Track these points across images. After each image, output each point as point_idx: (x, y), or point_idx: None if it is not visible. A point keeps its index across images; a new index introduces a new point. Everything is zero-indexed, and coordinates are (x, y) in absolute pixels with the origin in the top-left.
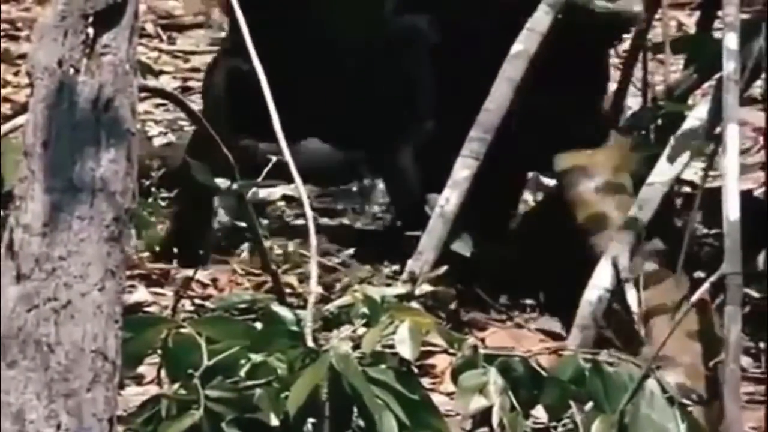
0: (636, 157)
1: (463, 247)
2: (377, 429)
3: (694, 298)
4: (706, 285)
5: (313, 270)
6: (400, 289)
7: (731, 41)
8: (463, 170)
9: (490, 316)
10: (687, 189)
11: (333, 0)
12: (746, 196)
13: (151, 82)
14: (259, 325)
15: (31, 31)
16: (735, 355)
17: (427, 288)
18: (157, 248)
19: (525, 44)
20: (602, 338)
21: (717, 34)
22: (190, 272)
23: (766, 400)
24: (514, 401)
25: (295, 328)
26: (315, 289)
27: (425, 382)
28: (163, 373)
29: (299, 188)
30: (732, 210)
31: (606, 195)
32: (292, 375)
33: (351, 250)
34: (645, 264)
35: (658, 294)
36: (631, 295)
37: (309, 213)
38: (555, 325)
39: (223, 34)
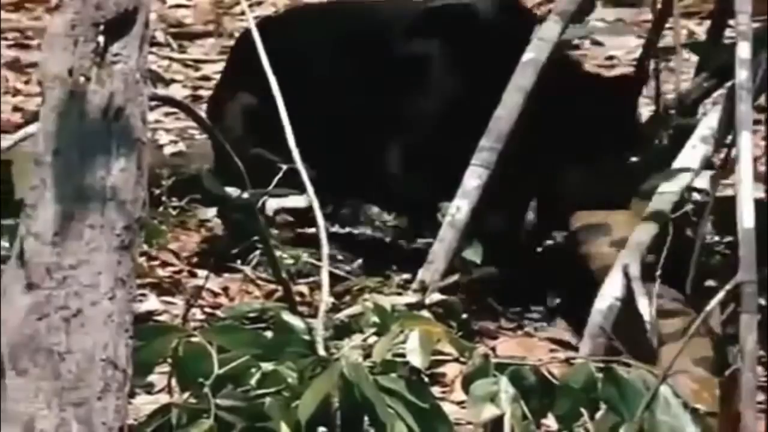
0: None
1: (474, 254)
2: None
3: (710, 306)
4: (721, 293)
5: (324, 278)
6: (410, 298)
7: (743, 50)
8: (473, 179)
9: (501, 325)
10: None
11: None
12: (760, 203)
13: (162, 90)
14: (269, 334)
15: (41, 40)
16: (751, 363)
17: (437, 297)
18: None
19: (535, 53)
20: (613, 347)
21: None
22: (200, 281)
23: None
24: (526, 410)
25: (305, 337)
26: (326, 298)
27: (436, 390)
28: (173, 381)
29: (311, 196)
30: (746, 218)
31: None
32: (302, 384)
33: (360, 259)
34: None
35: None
36: (643, 304)
37: (320, 221)
38: (566, 335)
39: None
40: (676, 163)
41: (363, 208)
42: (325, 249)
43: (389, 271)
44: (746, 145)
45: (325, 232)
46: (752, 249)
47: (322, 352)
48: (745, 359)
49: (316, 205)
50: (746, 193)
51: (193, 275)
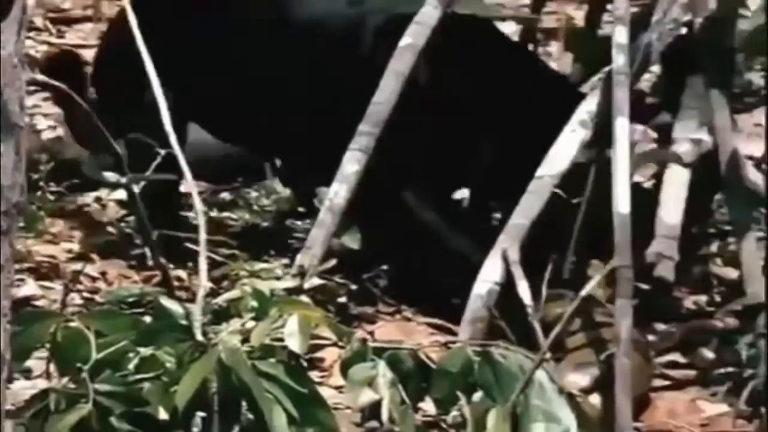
0: None
1: (351, 240)
2: (266, 423)
3: (584, 290)
4: (596, 278)
5: (202, 263)
6: (289, 282)
7: (621, 35)
8: (351, 164)
9: (379, 310)
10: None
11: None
12: (636, 189)
13: (40, 75)
14: (148, 319)
15: None
16: (626, 347)
17: (316, 281)
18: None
19: (413, 38)
20: (494, 331)
21: (606, 27)
22: (79, 266)
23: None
24: (404, 394)
25: (184, 322)
26: (204, 282)
27: (314, 375)
28: (52, 366)
29: (188, 181)
30: (622, 203)
31: None
32: (181, 369)
33: (240, 244)
34: None
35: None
36: (523, 288)
37: (199, 207)
38: (446, 319)
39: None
40: (555, 147)
41: (241, 192)
42: (203, 234)
43: (267, 255)
44: (622, 130)
45: (204, 216)
46: (628, 234)
47: (199, 337)
48: (620, 344)
49: (194, 190)
50: (622, 178)
51: (72, 260)
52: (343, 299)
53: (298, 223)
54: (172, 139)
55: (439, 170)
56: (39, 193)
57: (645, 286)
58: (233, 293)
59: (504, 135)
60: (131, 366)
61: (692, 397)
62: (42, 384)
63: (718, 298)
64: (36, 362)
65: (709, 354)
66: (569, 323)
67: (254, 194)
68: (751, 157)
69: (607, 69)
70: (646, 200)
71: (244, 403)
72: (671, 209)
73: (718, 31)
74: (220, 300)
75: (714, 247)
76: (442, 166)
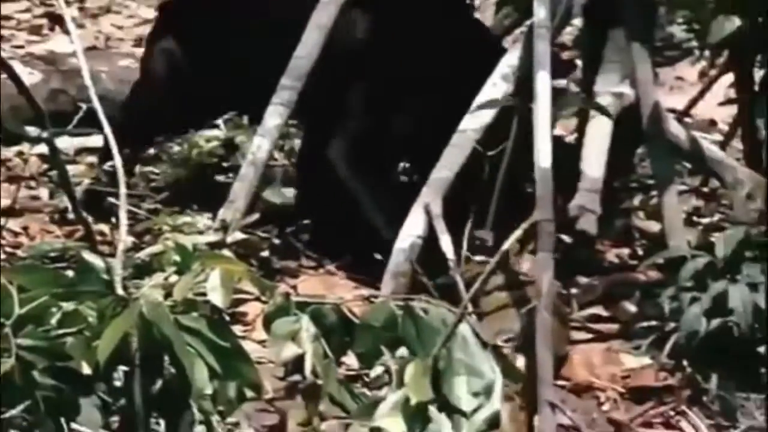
0: None
1: (274, 195)
2: (188, 377)
3: (506, 244)
4: (518, 232)
5: (122, 217)
6: (211, 236)
7: None
8: (274, 118)
9: (302, 264)
10: None
11: None
12: (558, 143)
13: None
14: (71, 274)
15: None
16: (548, 301)
17: (239, 236)
18: None
19: None
20: (417, 285)
21: None
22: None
23: None
24: (327, 348)
25: (105, 277)
26: (124, 236)
27: (237, 329)
28: None
29: (108, 136)
30: (543, 157)
31: None
32: (103, 323)
33: (163, 198)
34: None
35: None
36: (445, 242)
37: (118, 161)
38: (368, 273)
39: None
40: (477, 101)
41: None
42: (123, 188)
43: (190, 210)
44: (543, 84)
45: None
46: (549, 188)
47: (120, 291)
48: (542, 298)
49: (113, 145)
50: (543, 132)
51: None
52: (265, 253)
53: (221, 177)
54: (92, 93)
55: (366, 129)
56: None
57: (567, 239)
58: (156, 248)
59: (427, 92)
60: (54, 321)
61: (614, 350)
62: None
63: (640, 251)
64: None
65: (631, 307)
66: (490, 276)
67: (177, 148)
68: (672, 110)
69: (528, 22)
70: (568, 154)
71: (166, 358)
72: (593, 163)
73: None
74: (143, 254)
75: (636, 201)
76: (367, 124)
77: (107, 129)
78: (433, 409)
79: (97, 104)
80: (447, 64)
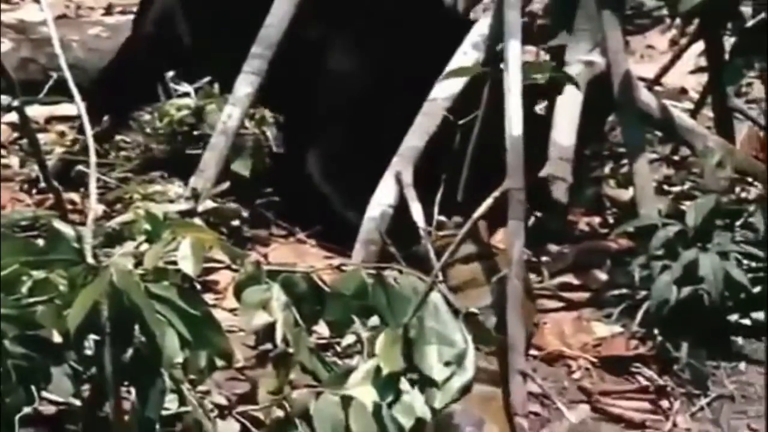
0: None
1: (242, 166)
2: (159, 345)
3: (478, 212)
4: (489, 200)
5: (92, 186)
6: (182, 205)
7: None
8: (245, 86)
9: (273, 232)
10: None
11: None
12: (529, 111)
13: None
14: (41, 242)
15: None
16: (518, 269)
17: (209, 204)
18: None
19: None
20: (387, 254)
21: None
22: None
23: None
24: (298, 317)
25: (76, 245)
26: (95, 205)
27: (208, 298)
28: None
29: (78, 105)
30: (515, 125)
31: None
32: (73, 292)
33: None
34: None
35: None
36: (416, 210)
37: (88, 129)
38: (339, 241)
39: None
40: (448, 69)
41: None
42: (93, 157)
43: (161, 179)
44: (514, 52)
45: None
46: (520, 156)
47: (90, 260)
48: (512, 265)
49: (83, 113)
50: (514, 100)
51: None
52: (236, 222)
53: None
54: (62, 61)
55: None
56: None
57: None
58: (126, 216)
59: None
60: (24, 289)
61: (585, 319)
62: None
63: (611, 220)
64: None
65: (602, 275)
66: (461, 245)
67: (147, 117)
68: (643, 79)
69: None
70: (539, 122)
71: (137, 327)
72: (564, 131)
73: None
74: (113, 223)
75: (607, 169)
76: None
77: (78, 97)
78: (404, 381)
79: (67, 73)
80: (419, 61)
